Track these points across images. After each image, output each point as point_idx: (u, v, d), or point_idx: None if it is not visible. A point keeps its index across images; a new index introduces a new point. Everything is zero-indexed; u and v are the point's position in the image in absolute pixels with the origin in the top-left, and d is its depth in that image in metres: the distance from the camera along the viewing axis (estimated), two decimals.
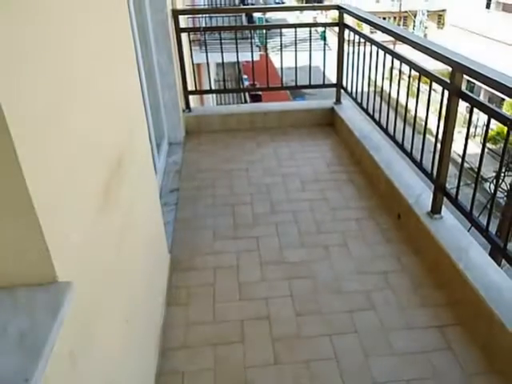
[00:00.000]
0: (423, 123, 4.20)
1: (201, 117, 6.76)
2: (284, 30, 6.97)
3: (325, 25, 8.12)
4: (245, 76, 16.71)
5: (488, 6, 34.97)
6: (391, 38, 4.97)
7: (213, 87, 7.90)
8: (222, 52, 6.62)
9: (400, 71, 4.77)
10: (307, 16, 50.99)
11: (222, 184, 5.41)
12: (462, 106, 3.80)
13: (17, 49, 1.48)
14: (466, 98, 3.67)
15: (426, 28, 46.49)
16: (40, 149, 1.61)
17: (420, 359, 3.25)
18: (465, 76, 3.67)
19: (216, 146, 6.31)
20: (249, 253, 4.29)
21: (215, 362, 3.26)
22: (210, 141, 6.43)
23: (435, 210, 4.16)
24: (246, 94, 16.10)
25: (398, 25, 44.85)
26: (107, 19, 2.79)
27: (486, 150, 3.72)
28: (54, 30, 1.83)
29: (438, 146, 4.04)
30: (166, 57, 5.89)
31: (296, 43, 6.55)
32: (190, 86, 6.74)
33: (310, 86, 7.06)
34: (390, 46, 5.29)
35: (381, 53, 5.21)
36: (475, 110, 3.62)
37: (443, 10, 43.45)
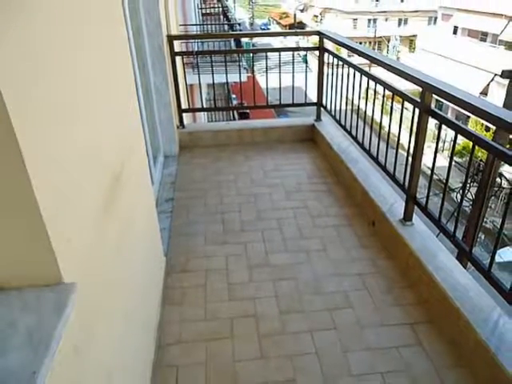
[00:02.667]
0: (396, 139, 4.22)
1: (193, 133, 6.76)
2: (269, 54, 6.98)
3: (306, 49, 8.12)
4: (233, 95, 16.75)
5: (455, 32, 35.27)
6: (368, 61, 5.00)
7: (204, 105, 7.89)
8: (212, 74, 6.63)
9: (375, 91, 4.80)
10: (290, 41, 51.27)
11: (212, 194, 5.41)
12: (432, 123, 3.83)
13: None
14: (435, 116, 3.70)
15: (398, 52, 46.73)
16: (46, 157, 1.62)
17: (393, 353, 3.27)
18: (434, 95, 3.70)
19: (207, 159, 6.32)
20: (237, 256, 4.30)
21: (207, 356, 3.26)
22: (202, 154, 6.43)
23: (407, 217, 4.19)
24: (235, 111, 16.24)
25: (373, 49, 45.08)
26: (109, 46, 2.80)
27: (454, 162, 3.75)
28: (56, 60, 1.84)
29: (410, 159, 4.07)
30: (161, 78, 5.92)
31: (280, 66, 6.59)
32: (184, 105, 6.76)
33: (292, 105, 7.08)
34: (367, 68, 5.33)
35: (357, 74, 5.25)
36: (443, 126, 3.65)
37: (414, 36, 43.71)
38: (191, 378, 3.11)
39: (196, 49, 10.18)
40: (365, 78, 5.04)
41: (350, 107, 5.80)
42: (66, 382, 1.66)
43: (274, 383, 3.08)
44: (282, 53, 6.81)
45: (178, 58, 6.37)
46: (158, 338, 3.38)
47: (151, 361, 3.13)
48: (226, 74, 6.84)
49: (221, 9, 16.55)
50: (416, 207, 4.12)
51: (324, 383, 3.06)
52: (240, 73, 7.32)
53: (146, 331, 3.18)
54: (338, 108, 6.13)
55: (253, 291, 3.87)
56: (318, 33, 6.51)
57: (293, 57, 6.79)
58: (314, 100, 6.95)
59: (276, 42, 50.59)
